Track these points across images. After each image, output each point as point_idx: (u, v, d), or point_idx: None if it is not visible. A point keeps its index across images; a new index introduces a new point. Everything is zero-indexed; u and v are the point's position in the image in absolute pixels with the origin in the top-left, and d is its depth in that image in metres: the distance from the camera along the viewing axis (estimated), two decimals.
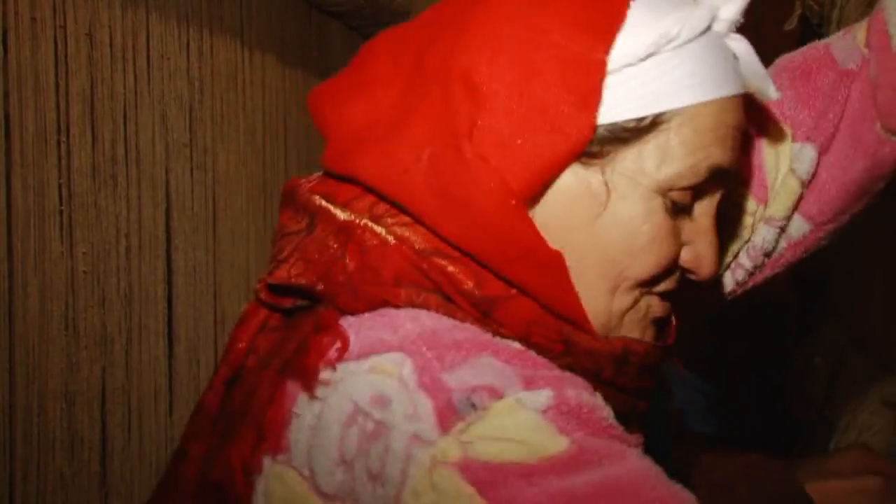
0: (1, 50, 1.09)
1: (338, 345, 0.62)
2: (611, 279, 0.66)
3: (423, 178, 0.63)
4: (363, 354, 0.62)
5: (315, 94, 0.73)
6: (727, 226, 0.82)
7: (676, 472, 1.11)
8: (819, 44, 0.85)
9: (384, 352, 0.61)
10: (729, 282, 0.88)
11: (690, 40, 0.64)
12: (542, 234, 0.64)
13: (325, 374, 0.62)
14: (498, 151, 0.62)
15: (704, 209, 0.69)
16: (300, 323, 0.67)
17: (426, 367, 0.59)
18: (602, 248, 0.65)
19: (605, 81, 0.62)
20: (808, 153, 0.81)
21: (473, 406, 0.57)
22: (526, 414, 0.58)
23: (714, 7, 0.67)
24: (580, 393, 0.60)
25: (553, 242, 0.64)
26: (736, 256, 0.86)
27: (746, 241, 0.85)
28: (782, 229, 0.84)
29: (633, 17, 0.64)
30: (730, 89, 0.66)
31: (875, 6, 0.78)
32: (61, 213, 1.20)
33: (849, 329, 2.11)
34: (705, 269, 0.69)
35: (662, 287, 0.69)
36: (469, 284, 0.63)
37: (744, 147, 0.80)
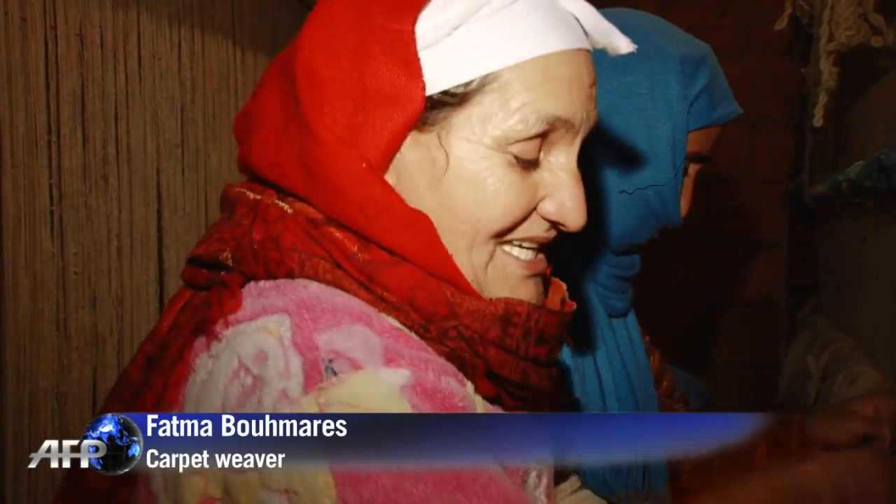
0: None
1: (234, 306, 0.68)
2: (465, 235, 0.70)
3: (293, 163, 0.70)
4: (255, 316, 0.67)
5: (238, 114, 0.81)
6: None
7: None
8: None
9: (272, 314, 0.66)
10: None
11: (506, 6, 0.69)
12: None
13: (221, 333, 0.68)
14: (346, 131, 0.68)
15: (562, 162, 0.72)
16: (212, 292, 0.72)
17: (301, 327, 0.64)
18: (450, 207, 0.69)
19: (429, 52, 0.68)
20: None
21: (334, 372, 0.62)
22: (382, 386, 0.62)
23: None
24: (441, 378, 0.64)
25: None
26: None
27: None
28: None
29: None
30: (556, 45, 0.70)
31: None
32: (52, 213, 1.20)
33: (839, 328, 2.12)
34: (570, 218, 0.72)
35: (518, 237, 0.72)
36: (354, 249, 0.68)
37: None
